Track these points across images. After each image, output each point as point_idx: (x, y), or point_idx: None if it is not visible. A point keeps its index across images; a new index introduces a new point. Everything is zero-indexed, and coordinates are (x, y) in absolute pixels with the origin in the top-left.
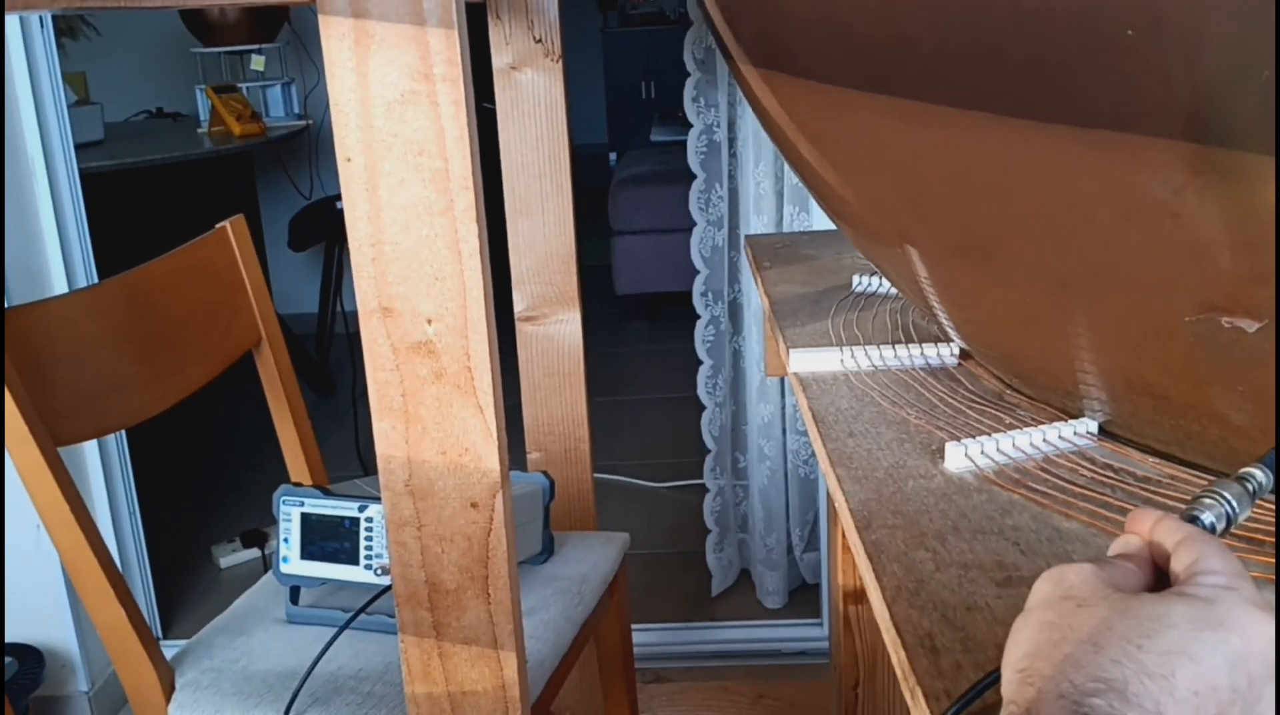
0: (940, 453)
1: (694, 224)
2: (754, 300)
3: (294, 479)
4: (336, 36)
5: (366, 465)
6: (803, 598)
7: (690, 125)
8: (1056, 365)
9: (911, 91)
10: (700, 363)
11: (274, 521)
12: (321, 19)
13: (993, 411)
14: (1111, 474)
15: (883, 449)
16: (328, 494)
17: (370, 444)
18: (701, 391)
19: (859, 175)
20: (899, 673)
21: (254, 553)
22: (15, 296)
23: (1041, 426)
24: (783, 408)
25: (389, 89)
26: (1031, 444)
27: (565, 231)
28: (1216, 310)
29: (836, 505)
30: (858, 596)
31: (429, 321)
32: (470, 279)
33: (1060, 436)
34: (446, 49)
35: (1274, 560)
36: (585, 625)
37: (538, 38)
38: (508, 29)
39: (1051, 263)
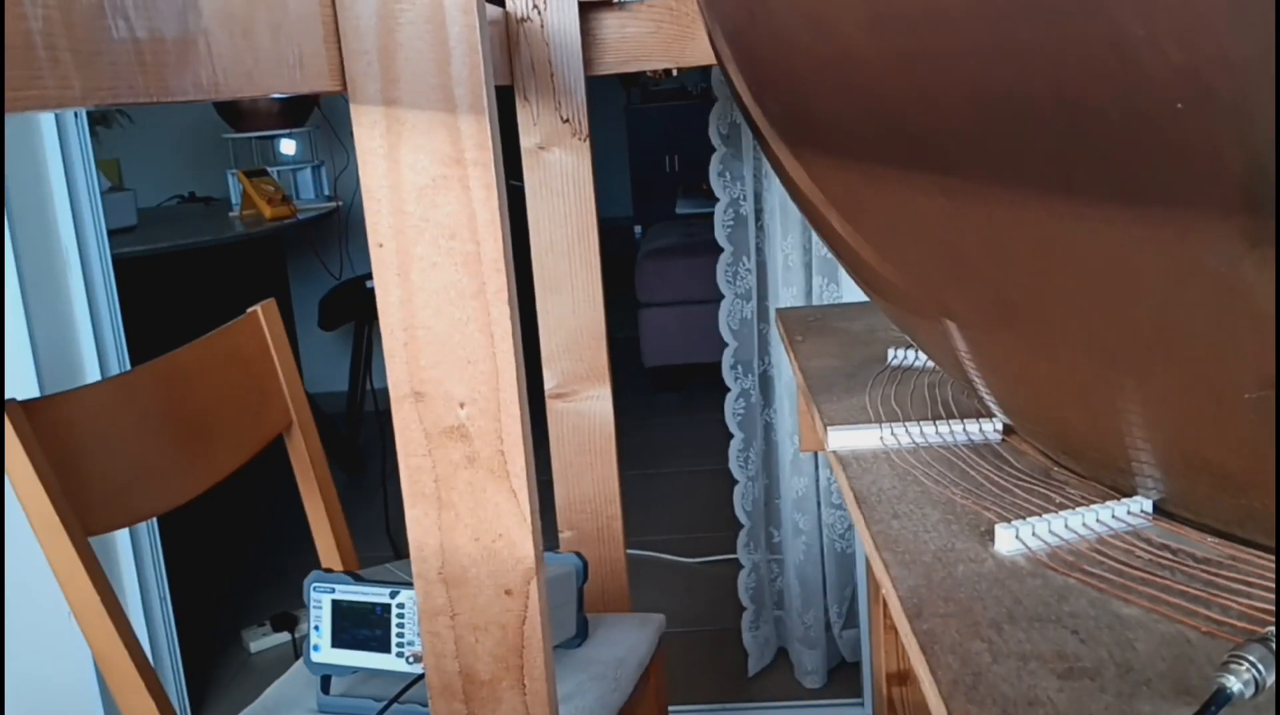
0: (989, 534)
1: (721, 296)
2: (785, 372)
3: (324, 564)
4: (368, 124)
5: (397, 545)
6: (843, 677)
7: (715, 198)
8: (1107, 441)
9: (949, 167)
10: (731, 436)
11: (304, 605)
12: (353, 107)
13: (1041, 490)
14: (1170, 555)
15: (929, 531)
16: (358, 580)
17: (400, 524)
18: (733, 465)
19: (895, 249)
20: None
21: (284, 637)
22: (49, 384)
23: (1094, 506)
24: (817, 480)
25: (420, 174)
26: (1084, 524)
27: (595, 307)
28: (1277, 385)
29: (884, 591)
30: (901, 678)
31: (461, 405)
32: (503, 362)
33: (1114, 516)
34: (477, 134)
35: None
36: (622, 711)
37: (565, 118)
38: (535, 110)
39: (1101, 336)
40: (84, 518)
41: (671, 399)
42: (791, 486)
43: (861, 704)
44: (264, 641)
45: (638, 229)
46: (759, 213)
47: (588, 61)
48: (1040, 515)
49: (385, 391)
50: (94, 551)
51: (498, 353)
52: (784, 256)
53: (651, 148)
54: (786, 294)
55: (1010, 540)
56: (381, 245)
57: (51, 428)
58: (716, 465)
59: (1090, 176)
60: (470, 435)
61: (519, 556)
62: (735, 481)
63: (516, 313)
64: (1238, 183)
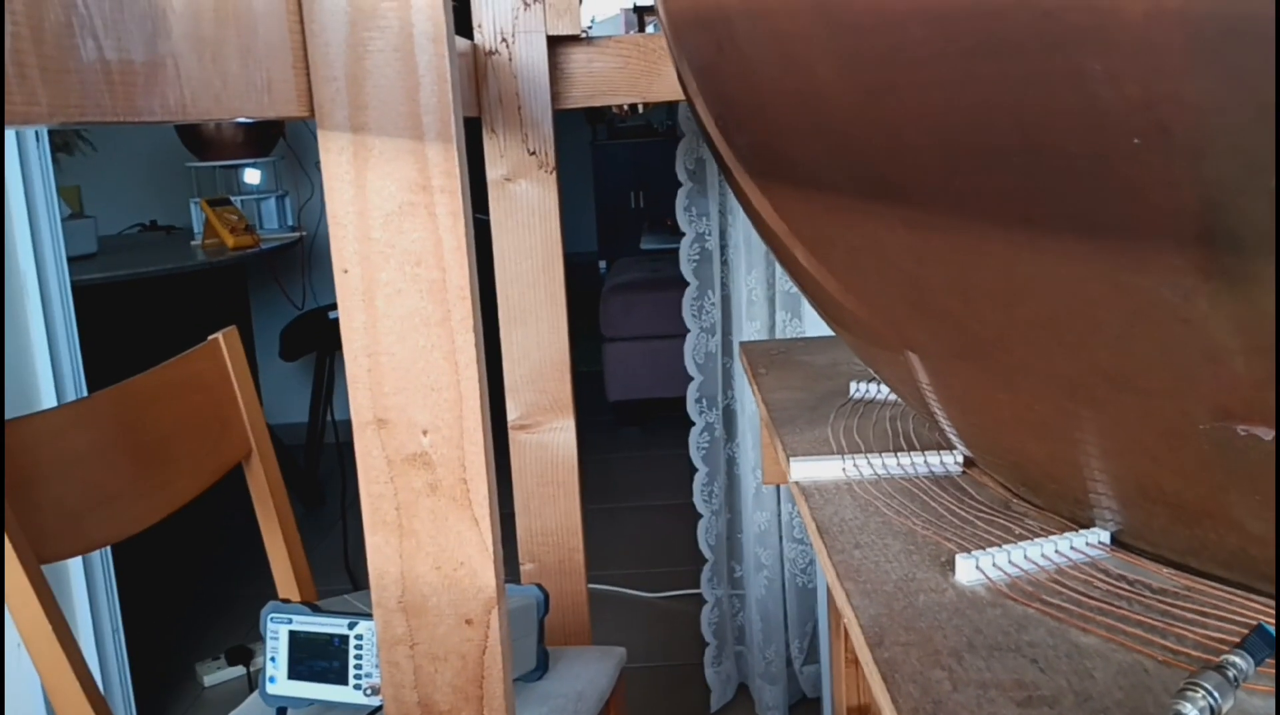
0: (950, 565)
1: (686, 331)
2: (748, 406)
3: (282, 594)
4: (335, 150)
5: (355, 578)
6: (803, 712)
7: (680, 233)
8: (1065, 472)
9: (911, 199)
10: (695, 470)
11: (259, 638)
12: (321, 133)
13: (1001, 521)
14: (1127, 586)
15: (890, 561)
16: (316, 610)
17: (359, 557)
18: (697, 499)
19: (858, 281)
20: None
21: (239, 670)
22: (4, 408)
23: (1052, 537)
24: (779, 515)
25: (387, 200)
26: (1043, 555)
27: (559, 340)
28: (1231, 417)
29: (846, 621)
30: (862, 712)
31: (424, 432)
32: (467, 389)
33: (1072, 547)
34: (445, 161)
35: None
36: None
37: (532, 150)
38: (502, 142)
39: (1059, 368)
40: (37, 544)
41: (634, 433)
42: (754, 521)
43: None
44: (218, 675)
45: (603, 264)
46: (724, 247)
47: (555, 95)
48: (1000, 546)
49: (346, 423)
50: (46, 579)
51: (461, 380)
52: (748, 291)
53: (617, 184)
54: (750, 328)
55: (970, 570)
56: (346, 271)
57: (5, 452)
58: (678, 499)
59: (1050, 210)
60: (433, 463)
61: (480, 586)
62: (699, 515)
63: (481, 341)
64: (1193, 217)
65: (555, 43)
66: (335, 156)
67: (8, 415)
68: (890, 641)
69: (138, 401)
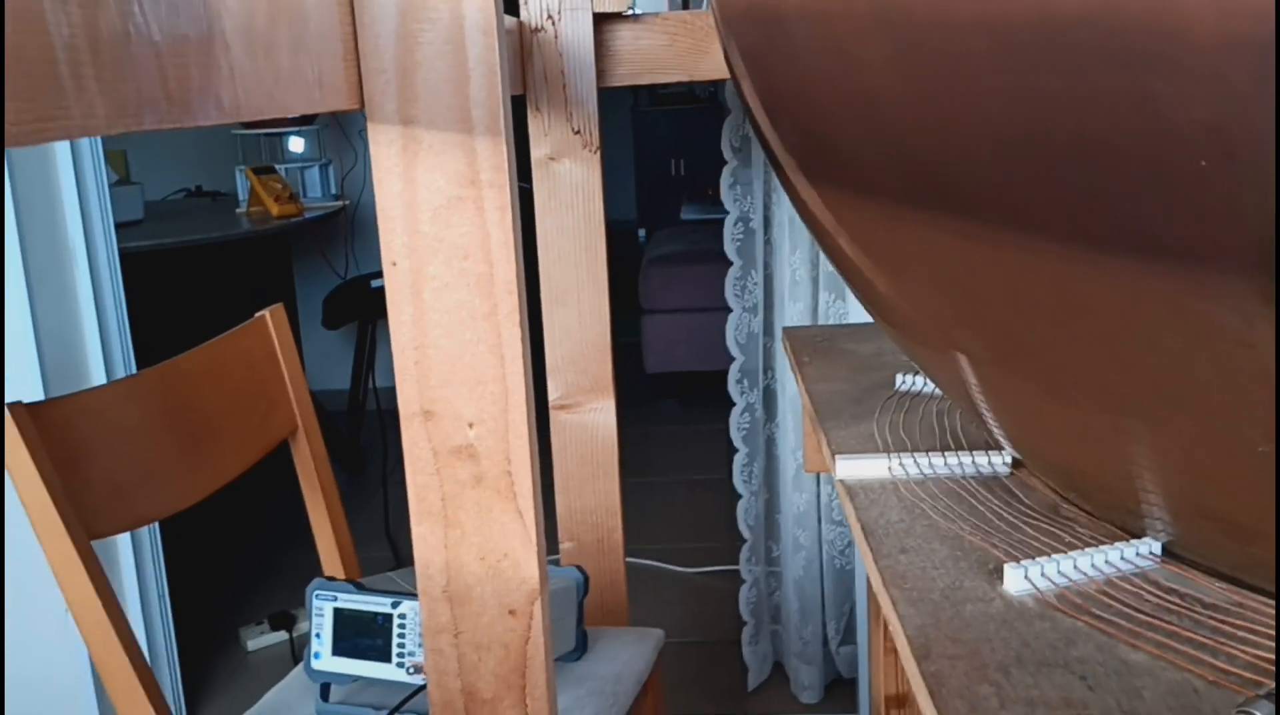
0: (998, 572)
1: (724, 306)
2: (789, 387)
3: (326, 570)
4: (385, 143)
5: (395, 545)
6: (839, 692)
7: (721, 204)
8: (1117, 484)
9: (967, 209)
10: (735, 450)
11: (301, 604)
12: (370, 126)
13: (1050, 527)
14: (1177, 600)
15: (937, 567)
16: (361, 588)
17: (400, 524)
18: (737, 480)
19: (906, 282)
20: None
21: (281, 635)
22: (53, 384)
23: (1102, 546)
24: (818, 496)
25: (435, 194)
26: (1093, 565)
27: (601, 320)
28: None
29: (891, 629)
30: (900, 701)
31: (470, 425)
32: (512, 382)
33: (1122, 558)
34: (493, 155)
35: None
36: None
37: (576, 129)
38: (546, 121)
39: (1115, 385)
40: (87, 520)
41: (672, 406)
42: (792, 502)
43: None
44: (261, 640)
45: (642, 232)
46: (767, 226)
47: (600, 73)
48: (1049, 555)
49: (387, 390)
50: (96, 554)
51: (508, 374)
52: (791, 271)
53: (658, 151)
54: (793, 309)
55: (1019, 580)
56: (395, 264)
57: (56, 430)
58: (715, 474)
59: (1110, 227)
60: (478, 455)
61: (524, 577)
62: (738, 495)
63: (527, 334)
64: (1257, 243)
65: (601, 20)
66: (384, 149)
67: (59, 385)
68: (937, 654)
69: (186, 378)
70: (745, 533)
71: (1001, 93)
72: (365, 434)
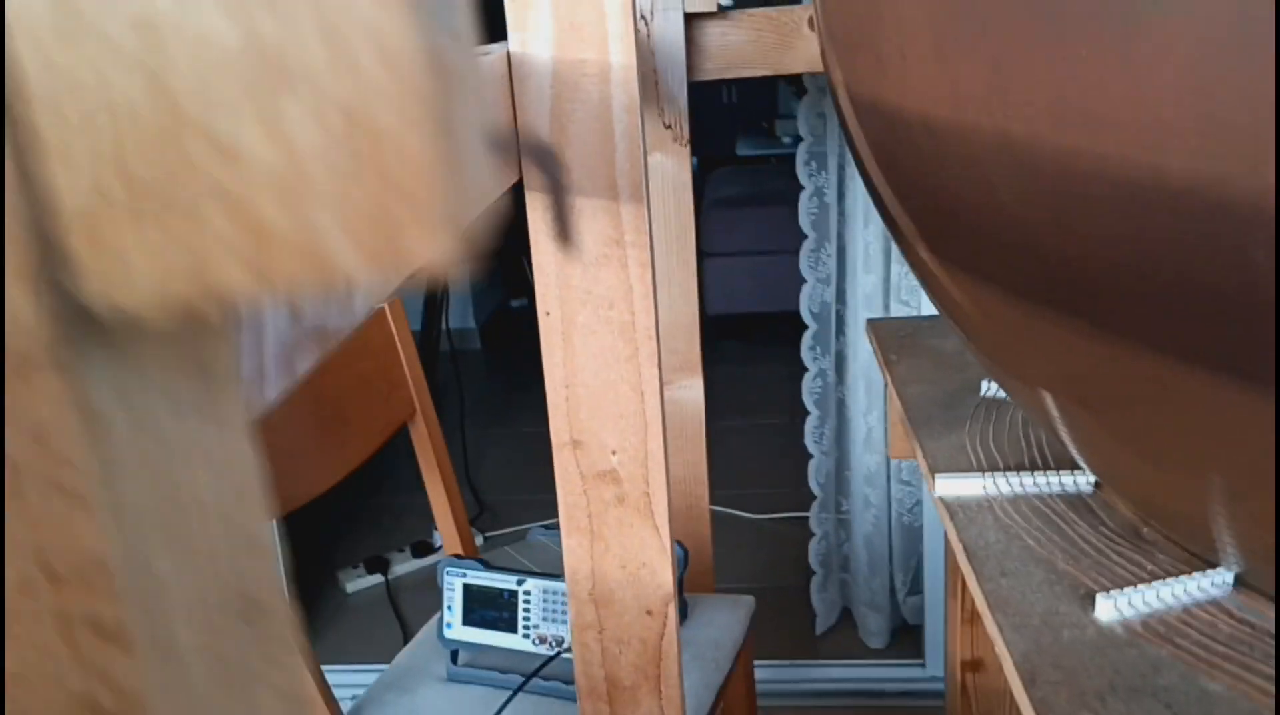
0: (1089, 599)
1: (786, 247)
2: (861, 352)
3: (446, 547)
4: (541, 208)
5: (476, 490)
6: (905, 638)
7: (777, 138)
8: (1194, 525)
9: (1097, 319)
10: (808, 413)
11: (392, 547)
12: (528, 194)
13: (1132, 554)
14: (1249, 630)
15: (1034, 591)
16: (486, 566)
17: (479, 468)
18: (809, 440)
19: (1000, 340)
20: None
21: (377, 578)
22: None
23: (1182, 577)
24: (888, 458)
25: (585, 252)
26: (1173, 594)
27: (690, 304)
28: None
29: (998, 654)
30: (975, 665)
31: (613, 452)
32: (650, 415)
33: (1199, 587)
34: (635, 218)
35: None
36: (719, 693)
37: (667, 124)
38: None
39: (1208, 463)
40: None
41: (733, 346)
42: (863, 462)
43: (923, 665)
44: (359, 582)
45: (694, 160)
46: (841, 198)
47: (689, 68)
48: (1135, 584)
49: (459, 332)
50: None
51: (646, 408)
52: (865, 244)
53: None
54: (866, 281)
55: (1110, 609)
56: (549, 313)
57: None
58: (779, 418)
59: (1227, 353)
60: (621, 478)
61: (659, 582)
62: (809, 456)
63: (661, 374)
64: None
65: (691, 18)
66: (540, 215)
67: None
68: (1041, 680)
69: (317, 367)
70: (816, 490)
71: (1118, 236)
72: (440, 376)
